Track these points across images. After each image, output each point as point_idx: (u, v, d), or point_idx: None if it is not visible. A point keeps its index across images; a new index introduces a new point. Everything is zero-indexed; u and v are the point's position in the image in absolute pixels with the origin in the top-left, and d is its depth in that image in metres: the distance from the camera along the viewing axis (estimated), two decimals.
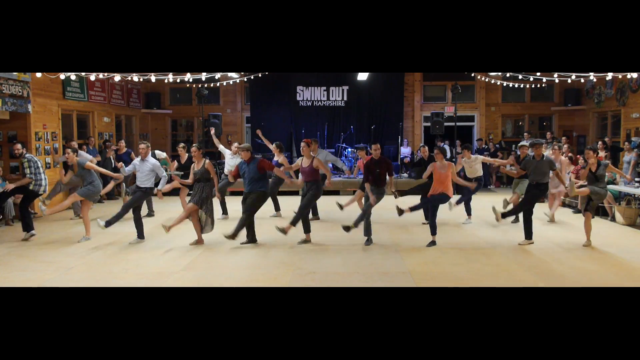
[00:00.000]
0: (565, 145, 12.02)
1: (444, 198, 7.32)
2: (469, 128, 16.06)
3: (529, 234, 7.38)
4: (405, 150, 14.76)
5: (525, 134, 14.47)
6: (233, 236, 7.23)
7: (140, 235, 7.69)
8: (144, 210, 9.48)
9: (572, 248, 7.19)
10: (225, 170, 9.34)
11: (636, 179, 9.50)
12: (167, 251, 7.15)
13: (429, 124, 14.33)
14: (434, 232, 7.37)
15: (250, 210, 7.33)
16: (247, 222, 7.39)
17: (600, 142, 11.13)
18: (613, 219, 9.28)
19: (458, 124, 14.09)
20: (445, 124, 13.74)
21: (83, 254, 7.00)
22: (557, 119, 15.89)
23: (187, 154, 9.10)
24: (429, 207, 7.47)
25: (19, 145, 8.15)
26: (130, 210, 7.67)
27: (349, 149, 14.07)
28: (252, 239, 7.51)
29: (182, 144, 9.19)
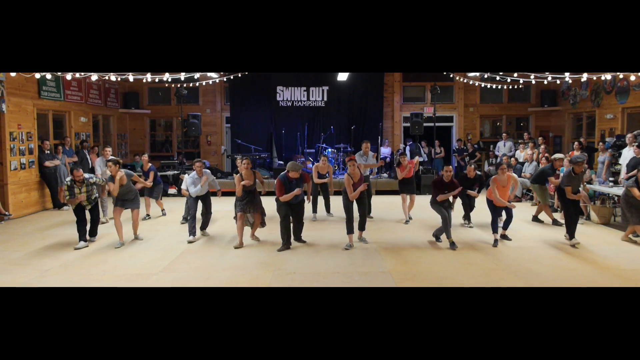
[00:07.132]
0: (542, 146, 12.23)
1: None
2: (447, 128, 16.20)
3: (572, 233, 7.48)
4: (385, 151, 14.83)
5: (503, 134, 14.67)
6: None
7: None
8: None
9: (548, 247, 7.31)
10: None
11: (610, 179, 9.70)
12: (146, 253, 7.08)
13: (408, 124, 14.45)
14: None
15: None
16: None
17: (576, 143, 11.34)
18: (588, 218, 9.45)
19: (437, 124, 14.23)
20: (425, 124, 13.89)
21: (59, 256, 6.89)
22: (533, 120, 16.14)
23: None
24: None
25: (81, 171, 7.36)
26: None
27: (329, 149, 14.10)
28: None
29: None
